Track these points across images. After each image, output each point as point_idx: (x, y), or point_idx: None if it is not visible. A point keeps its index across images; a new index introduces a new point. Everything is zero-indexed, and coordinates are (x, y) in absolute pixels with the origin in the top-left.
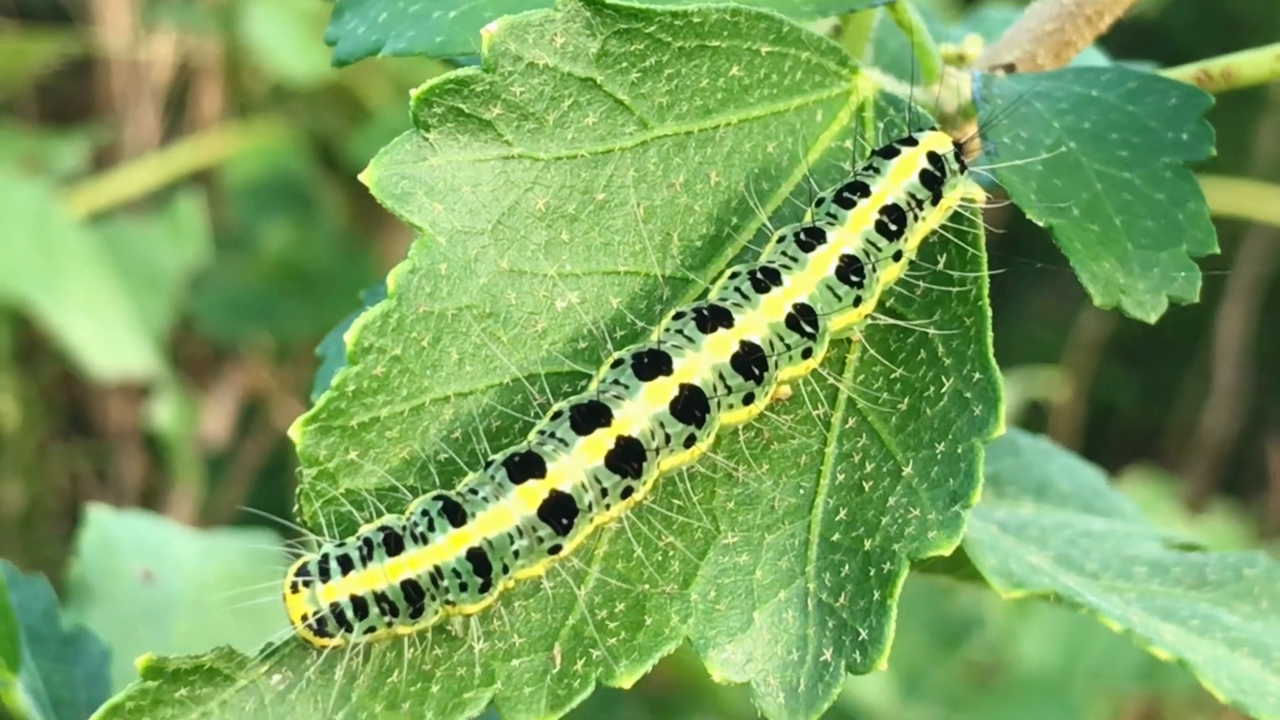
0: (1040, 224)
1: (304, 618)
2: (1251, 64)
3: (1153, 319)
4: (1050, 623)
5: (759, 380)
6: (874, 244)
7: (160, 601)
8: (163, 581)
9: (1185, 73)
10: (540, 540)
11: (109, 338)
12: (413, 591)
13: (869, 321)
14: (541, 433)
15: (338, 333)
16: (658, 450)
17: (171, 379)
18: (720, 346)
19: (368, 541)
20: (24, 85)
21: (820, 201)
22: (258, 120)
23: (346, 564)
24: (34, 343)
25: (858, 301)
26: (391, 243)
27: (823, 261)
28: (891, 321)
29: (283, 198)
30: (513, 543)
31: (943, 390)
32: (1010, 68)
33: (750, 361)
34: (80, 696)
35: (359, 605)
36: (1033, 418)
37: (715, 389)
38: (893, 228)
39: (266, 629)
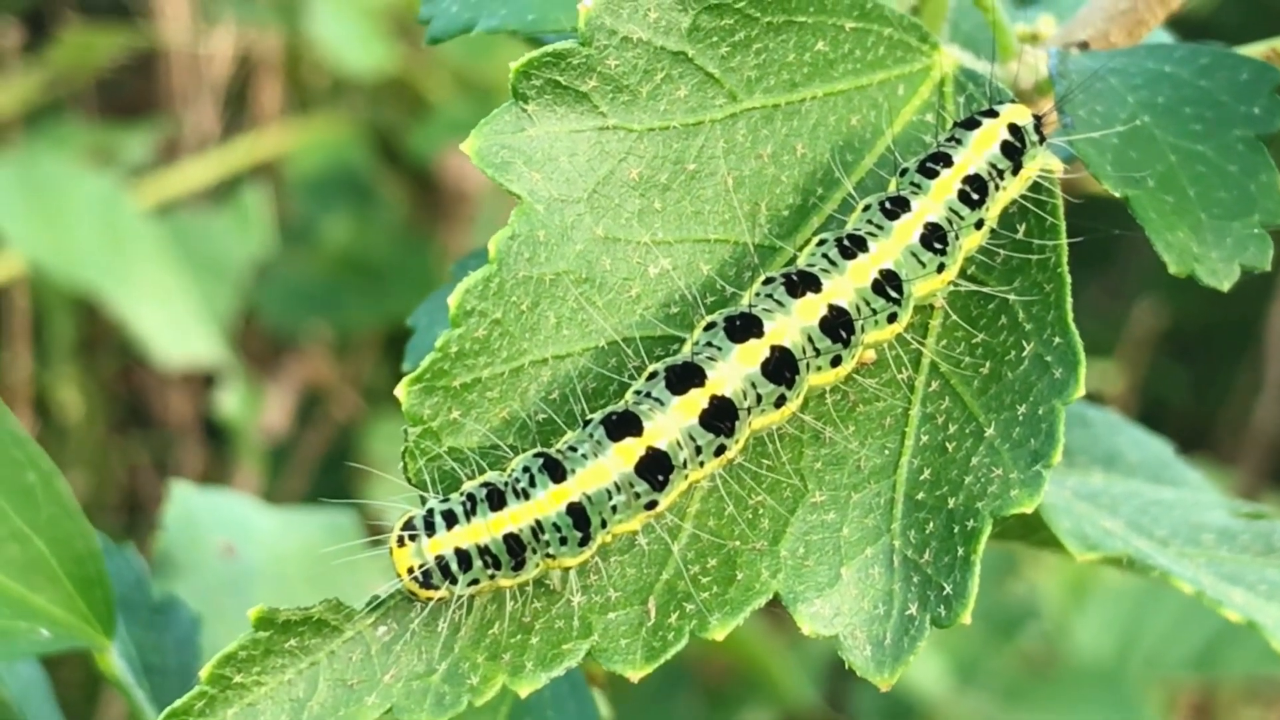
0: (1116, 194)
1: (410, 570)
2: None
3: (1225, 286)
4: (1104, 612)
5: (846, 343)
6: (957, 212)
7: (241, 574)
8: (243, 555)
9: (1256, 50)
10: (637, 496)
11: (176, 327)
12: (515, 545)
13: (951, 288)
14: (638, 392)
15: (428, 304)
16: (749, 410)
17: (237, 368)
18: (809, 310)
19: (471, 497)
20: (87, 80)
21: (904, 171)
22: (318, 114)
23: (451, 519)
24: (96, 335)
25: (941, 268)
26: (452, 235)
27: (907, 229)
28: (973, 288)
29: (344, 191)
30: (611, 498)
31: (1024, 354)
32: (1084, 45)
33: (838, 325)
34: (170, 662)
35: (463, 558)
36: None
37: (804, 351)
38: (975, 197)
39: (342, 598)
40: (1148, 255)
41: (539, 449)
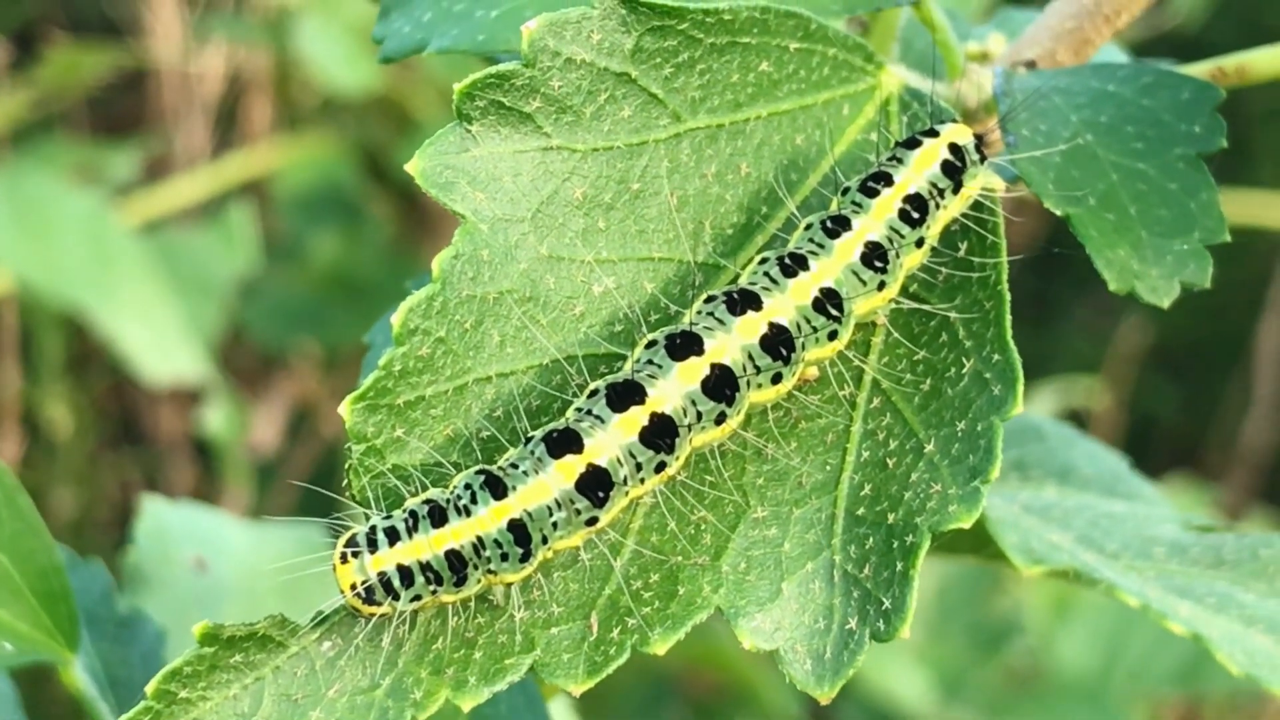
0: (1057, 212)
1: (353, 586)
2: (1265, 61)
3: (1165, 303)
4: (1088, 627)
5: (786, 361)
6: (897, 231)
7: (212, 588)
8: (215, 569)
9: (1200, 69)
10: (578, 512)
11: (162, 344)
12: (456, 561)
13: (893, 305)
14: (579, 410)
15: (384, 320)
16: (690, 427)
17: (223, 385)
18: (750, 328)
19: (413, 514)
20: (76, 98)
21: (846, 190)
22: (307, 132)
23: (393, 535)
24: (85, 352)
25: (881, 286)
26: (438, 252)
27: (848, 248)
28: (914, 305)
29: (332, 208)
30: (551, 514)
31: (963, 371)
32: (1031, 64)
33: (778, 343)
34: (136, 676)
35: (405, 574)
36: (1073, 427)
37: (745, 369)
38: (915, 215)
39: (308, 612)
40: None
41: (481, 466)
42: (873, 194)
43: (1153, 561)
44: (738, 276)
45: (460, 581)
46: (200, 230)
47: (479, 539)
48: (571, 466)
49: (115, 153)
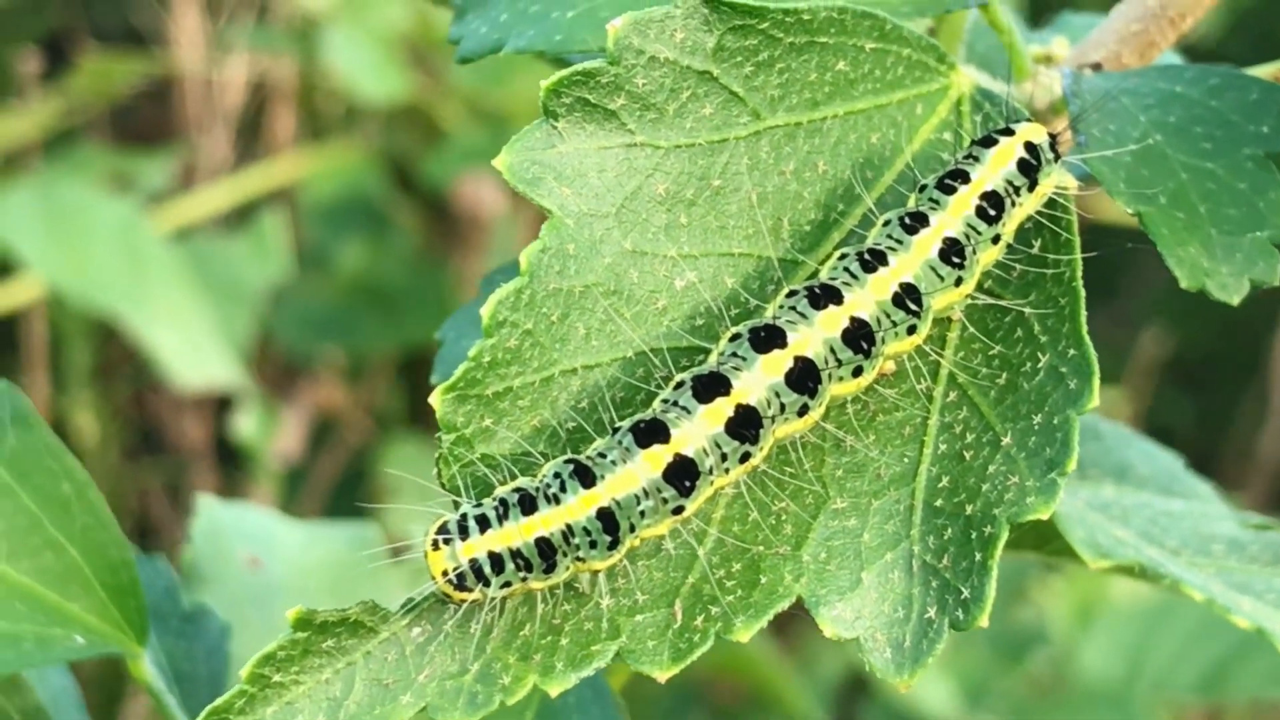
0: (1129, 211)
1: (444, 573)
2: None
3: (1235, 300)
4: (1111, 635)
5: (867, 354)
6: (974, 228)
7: (266, 586)
8: (267, 567)
9: (1265, 71)
10: (665, 501)
11: (195, 351)
12: (546, 548)
13: (969, 301)
14: (665, 401)
15: (456, 318)
16: (773, 418)
17: (254, 392)
18: (831, 322)
19: (503, 502)
20: (104, 106)
21: (923, 188)
22: (333, 141)
23: (484, 523)
24: (110, 360)
25: (959, 282)
26: (465, 261)
27: (926, 243)
28: (990, 301)
29: (358, 217)
30: (639, 503)
31: (1039, 365)
32: (1097, 66)
33: (859, 336)
34: (200, 670)
35: (496, 561)
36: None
37: (827, 362)
38: (992, 213)
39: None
40: (1153, 284)
41: (569, 455)
42: (950, 191)
43: (1212, 558)
44: (816, 272)
45: (549, 569)
46: (232, 238)
47: (568, 527)
48: (659, 456)
49: (147, 161)
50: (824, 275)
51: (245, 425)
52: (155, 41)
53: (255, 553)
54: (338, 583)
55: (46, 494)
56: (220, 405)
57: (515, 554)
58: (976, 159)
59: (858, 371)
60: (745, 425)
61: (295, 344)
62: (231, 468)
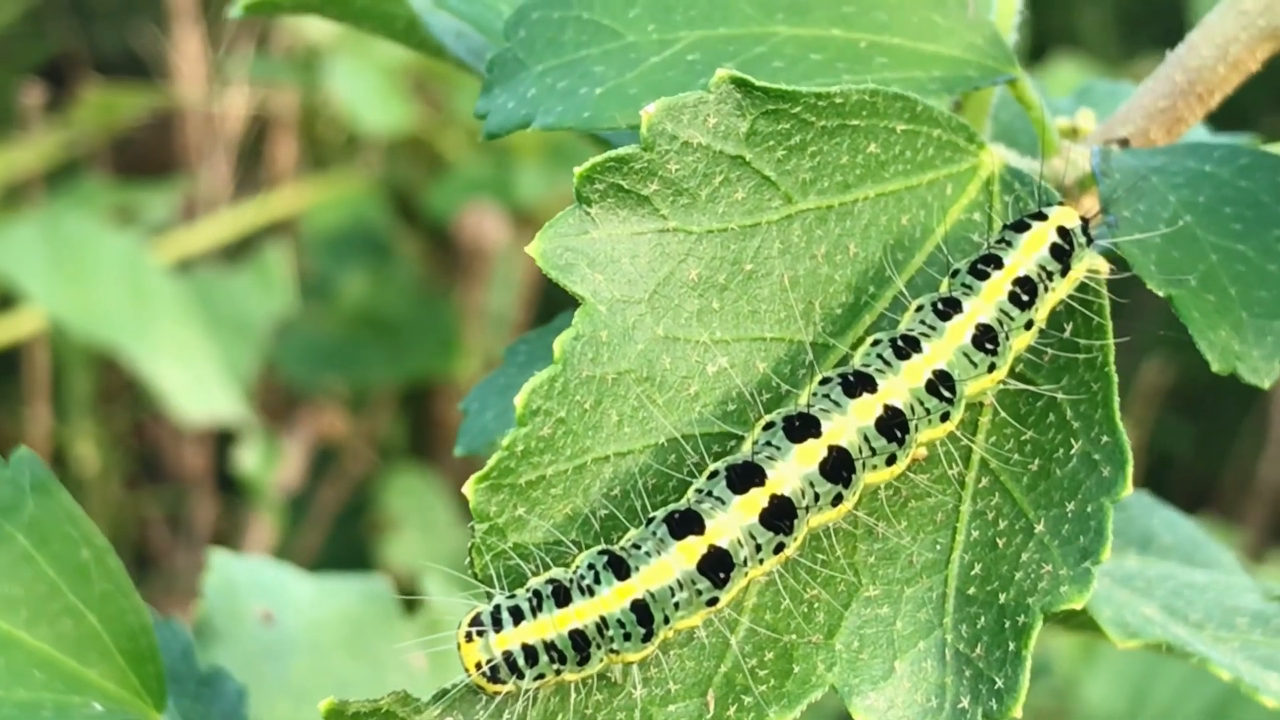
0: (1160, 294)
1: (478, 665)
2: None
3: (1267, 384)
4: (1115, 669)
5: (901, 442)
6: (1007, 313)
7: (280, 641)
8: (281, 622)
9: None
10: (699, 593)
11: (198, 384)
12: (580, 641)
13: (1001, 386)
14: (699, 491)
15: (480, 389)
16: (807, 508)
17: (256, 425)
18: (865, 411)
19: (537, 593)
20: (106, 138)
21: (956, 273)
22: (335, 171)
23: (518, 614)
24: (110, 390)
25: (992, 368)
26: (468, 292)
27: (960, 330)
28: (1022, 386)
29: (360, 248)
30: (674, 595)
31: (1071, 452)
32: (1124, 142)
33: (893, 425)
34: None
35: (530, 653)
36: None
37: (861, 451)
38: (1025, 298)
39: (379, 668)
40: (1153, 313)
41: (603, 546)
42: (983, 276)
43: (1236, 632)
44: (848, 356)
45: (583, 661)
46: (235, 270)
47: (603, 619)
48: (693, 548)
49: (150, 194)
50: (857, 362)
51: (247, 459)
52: (156, 69)
53: (268, 607)
54: (351, 637)
55: (65, 561)
56: (222, 433)
57: (549, 646)
58: (1009, 244)
59: (891, 460)
60: (780, 516)
61: (297, 374)
62: (232, 496)
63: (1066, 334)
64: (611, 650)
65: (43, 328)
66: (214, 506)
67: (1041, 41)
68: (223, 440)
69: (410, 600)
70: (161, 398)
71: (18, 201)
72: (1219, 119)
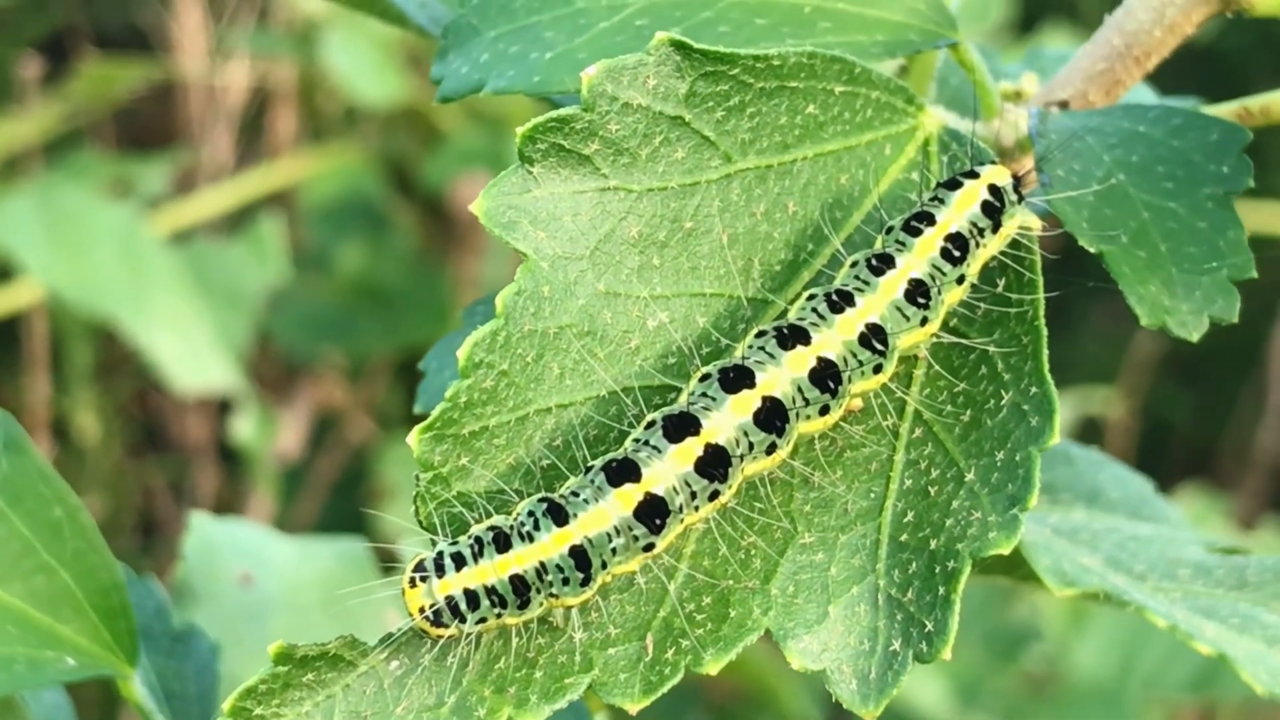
0: (1092, 250)
1: (421, 610)
2: None
3: (1194, 337)
4: (1105, 633)
5: (834, 394)
6: (939, 269)
7: (258, 602)
8: (260, 583)
9: (1226, 109)
10: (635, 539)
11: (193, 354)
12: (520, 585)
13: (934, 340)
14: (637, 440)
15: (439, 349)
16: (742, 457)
17: (252, 394)
18: (799, 362)
19: (479, 540)
20: (105, 111)
21: (890, 230)
22: (332, 143)
23: (460, 560)
24: (112, 360)
25: (924, 321)
26: (463, 263)
27: (892, 285)
28: (954, 340)
29: (357, 219)
30: (611, 541)
31: (1002, 403)
32: (1064, 104)
33: (826, 376)
34: (190, 689)
35: (471, 598)
36: (1088, 433)
37: (794, 401)
38: (956, 254)
39: (357, 628)
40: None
41: (543, 494)
42: (916, 233)
43: (1178, 583)
44: (786, 311)
45: (524, 605)
46: (230, 242)
47: (542, 564)
48: (630, 495)
49: (146, 165)
50: (792, 316)
51: (243, 429)
52: (157, 42)
53: (247, 569)
54: (329, 598)
55: (38, 519)
56: (223, 404)
57: (490, 590)
58: (941, 201)
59: (825, 410)
60: (714, 464)
61: (295, 344)
62: (234, 465)
63: (999, 289)
64: (551, 595)
65: (41, 298)
66: (217, 475)
67: (1038, 12)
68: (225, 410)
69: (389, 560)
70: (157, 368)
71: (15, 174)
72: (1215, 87)
